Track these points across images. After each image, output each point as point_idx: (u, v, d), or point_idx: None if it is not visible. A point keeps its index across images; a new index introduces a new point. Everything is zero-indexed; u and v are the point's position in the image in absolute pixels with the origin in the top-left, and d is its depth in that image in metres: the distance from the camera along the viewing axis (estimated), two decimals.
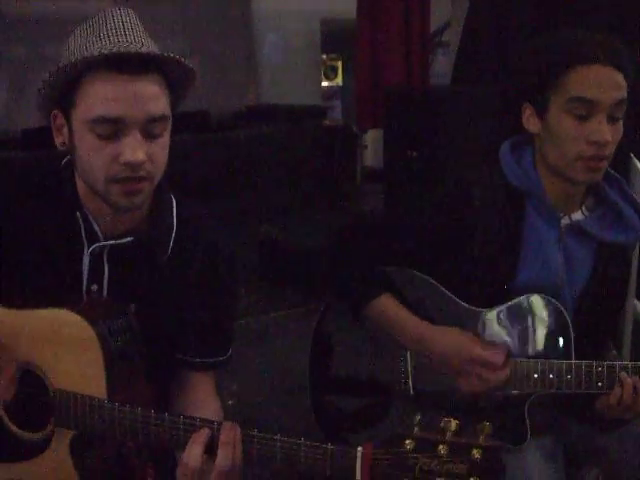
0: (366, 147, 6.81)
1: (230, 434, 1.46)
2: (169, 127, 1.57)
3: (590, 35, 1.82)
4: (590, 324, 1.96)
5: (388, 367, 2.01)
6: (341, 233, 2.08)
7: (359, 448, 1.38)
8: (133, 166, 1.51)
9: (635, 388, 1.80)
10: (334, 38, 8.45)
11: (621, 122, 1.83)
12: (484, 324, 1.93)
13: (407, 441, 1.34)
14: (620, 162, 2.91)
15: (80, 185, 1.64)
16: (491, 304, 1.93)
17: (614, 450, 2.04)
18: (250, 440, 1.46)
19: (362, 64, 5.40)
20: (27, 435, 1.60)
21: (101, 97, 1.49)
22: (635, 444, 2.02)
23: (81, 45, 1.53)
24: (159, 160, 1.56)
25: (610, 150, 1.82)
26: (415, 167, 4.08)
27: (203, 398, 1.77)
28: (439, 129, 3.94)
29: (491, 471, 1.32)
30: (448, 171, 3.85)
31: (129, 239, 1.63)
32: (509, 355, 1.88)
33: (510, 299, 1.92)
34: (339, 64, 9.11)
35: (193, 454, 1.46)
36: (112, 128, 1.50)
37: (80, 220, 1.63)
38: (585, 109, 1.79)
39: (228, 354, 1.81)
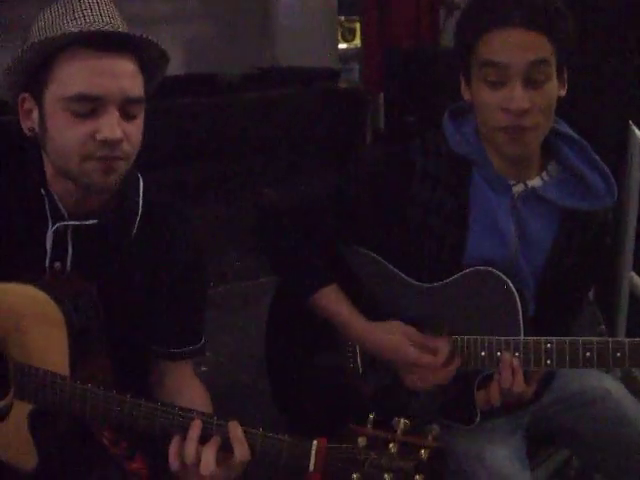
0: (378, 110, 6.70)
1: (237, 430, 1.48)
2: (143, 109, 1.58)
3: None
4: (556, 298, 1.88)
5: (338, 347, 1.98)
6: (284, 212, 2.00)
7: (314, 442, 1.45)
8: (111, 144, 1.51)
9: (513, 368, 1.75)
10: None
11: (550, 85, 1.74)
12: (429, 300, 1.87)
13: (360, 438, 1.43)
14: (618, 130, 2.80)
15: (48, 166, 1.63)
16: (442, 280, 1.85)
17: (586, 432, 1.99)
18: (209, 427, 1.49)
19: (369, 26, 5.30)
20: None
21: (80, 74, 1.50)
22: (607, 425, 1.97)
23: (54, 23, 1.53)
24: (135, 140, 1.57)
25: (534, 119, 1.73)
26: (413, 131, 3.98)
27: (182, 386, 1.77)
28: (437, 91, 3.82)
29: (436, 470, 1.42)
30: None
31: (93, 221, 1.62)
32: (454, 350, 1.82)
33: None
34: (357, 26, 8.96)
35: (208, 460, 1.47)
36: (90, 106, 1.50)
37: (45, 198, 1.63)
38: (496, 74, 1.72)
39: (200, 343, 1.80)
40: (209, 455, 1.47)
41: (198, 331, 1.80)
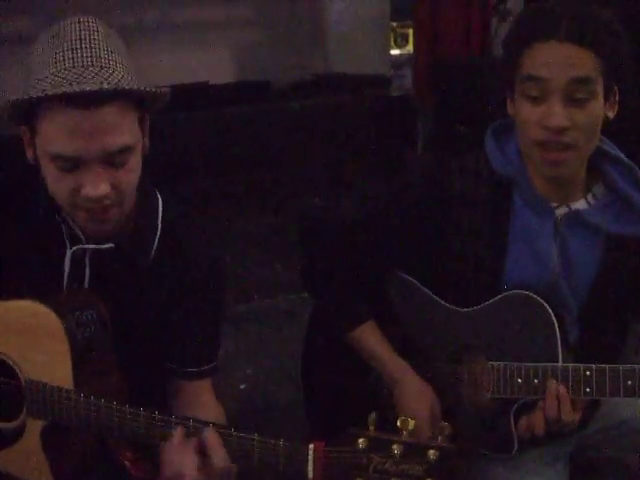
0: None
1: (215, 435, 1.43)
2: (137, 150, 1.52)
3: (557, 9, 1.67)
4: (601, 325, 1.81)
5: (373, 372, 1.93)
6: (324, 234, 1.97)
7: (310, 445, 1.36)
8: (95, 200, 1.47)
9: (558, 396, 1.66)
10: (405, 5, 8.23)
11: (594, 104, 1.65)
12: (466, 324, 1.81)
13: (360, 440, 1.31)
14: None
15: None
16: (479, 303, 1.79)
17: (633, 462, 1.93)
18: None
19: (420, 33, 5.25)
20: (1, 424, 1.61)
21: (56, 134, 1.44)
22: None
23: (36, 70, 1.47)
24: (126, 186, 1.51)
25: (573, 137, 1.64)
26: (464, 142, 3.91)
27: (196, 405, 1.72)
28: (488, 101, 3.75)
29: (448, 473, 1.28)
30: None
31: (110, 245, 1.59)
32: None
33: None
34: (410, 32, 8.88)
35: (188, 464, 1.43)
36: (71, 163, 1.46)
37: (61, 223, 1.61)
38: (537, 89, 1.65)
39: (213, 363, 1.76)
40: (187, 459, 1.43)
41: (214, 350, 1.76)
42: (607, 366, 1.65)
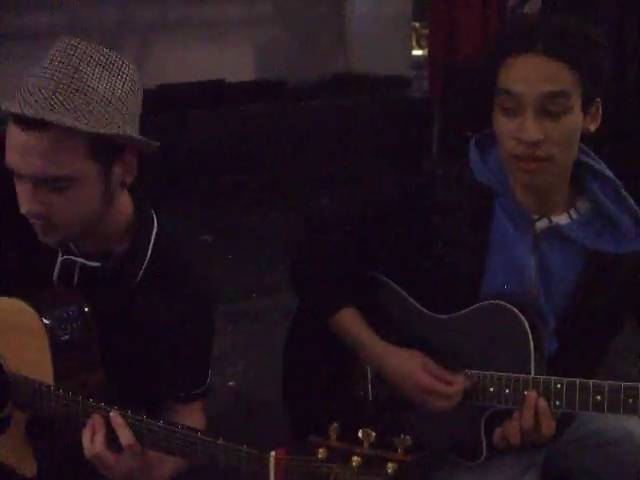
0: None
1: (118, 416, 1.51)
2: (84, 183, 1.52)
3: (535, 22, 1.68)
4: (578, 339, 1.81)
5: (352, 370, 1.94)
6: (302, 236, 1.99)
7: (272, 453, 1.38)
8: (30, 216, 1.52)
9: (537, 409, 1.66)
10: (427, 6, 8.19)
11: (570, 117, 1.64)
12: (441, 331, 1.83)
13: (320, 449, 1.34)
14: None
15: None
16: (457, 311, 1.81)
17: (604, 473, 1.89)
18: (173, 434, 1.48)
19: (436, 35, 5.25)
20: None
21: (7, 145, 1.50)
22: (626, 468, 1.86)
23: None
24: (59, 213, 1.53)
25: (547, 150, 1.64)
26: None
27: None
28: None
29: None
30: None
31: (97, 264, 1.64)
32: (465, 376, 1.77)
33: None
34: None
35: (96, 441, 1.52)
36: (15, 174, 1.51)
37: None
38: (510, 102, 1.64)
39: (204, 387, 1.78)
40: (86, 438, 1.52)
41: (203, 375, 1.79)
42: (578, 380, 1.65)
